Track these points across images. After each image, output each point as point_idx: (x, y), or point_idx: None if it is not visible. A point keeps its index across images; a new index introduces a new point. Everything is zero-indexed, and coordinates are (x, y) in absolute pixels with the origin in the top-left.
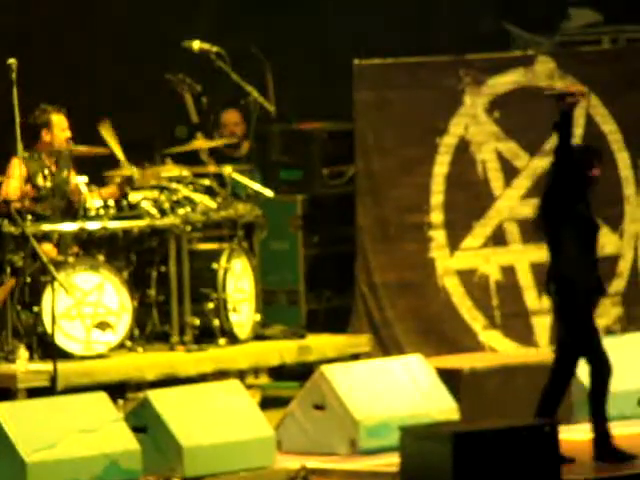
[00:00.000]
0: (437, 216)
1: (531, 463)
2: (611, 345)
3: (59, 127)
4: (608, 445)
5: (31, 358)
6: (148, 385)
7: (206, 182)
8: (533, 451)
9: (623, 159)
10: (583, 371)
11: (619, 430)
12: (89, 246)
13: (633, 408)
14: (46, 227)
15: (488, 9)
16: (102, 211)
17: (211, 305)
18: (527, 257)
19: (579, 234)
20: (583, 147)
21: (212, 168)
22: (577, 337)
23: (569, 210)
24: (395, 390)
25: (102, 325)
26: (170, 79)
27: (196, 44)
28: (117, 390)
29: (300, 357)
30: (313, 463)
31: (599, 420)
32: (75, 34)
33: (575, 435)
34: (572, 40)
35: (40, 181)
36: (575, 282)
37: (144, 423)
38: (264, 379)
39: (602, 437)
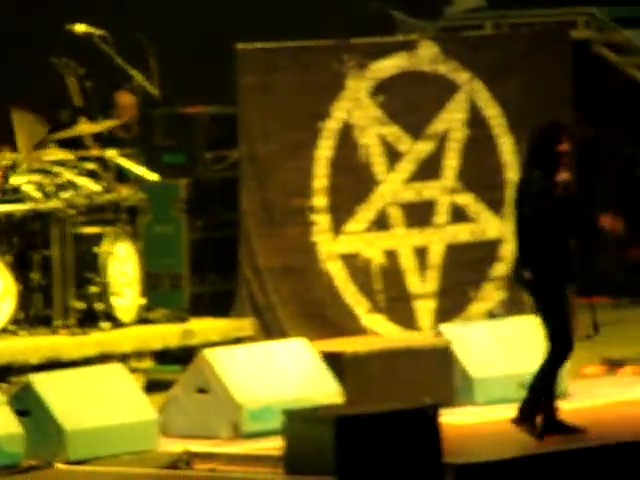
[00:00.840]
0: (320, 200)
1: (413, 446)
2: (494, 329)
3: None
4: (555, 418)
5: None
6: (31, 369)
7: (90, 166)
8: (415, 434)
9: (506, 143)
10: (465, 355)
11: (502, 413)
12: None
13: (516, 391)
14: None
15: None
16: None
17: (95, 289)
18: (410, 241)
19: (552, 217)
20: (551, 123)
21: (95, 152)
22: (545, 317)
23: (543, 192)
24: (278, 374)
25: None
26: (54, 62)
27: (80, 27)
28: (0, 374)
29: (183, 341)
30: (196, 447)
31: (549, 395)
32: None
33: (457, 418)
34: (456, 25)
35: None
36: (549, 267)
37: (27, 407)
38: (148, 363)
39: (550, 411)
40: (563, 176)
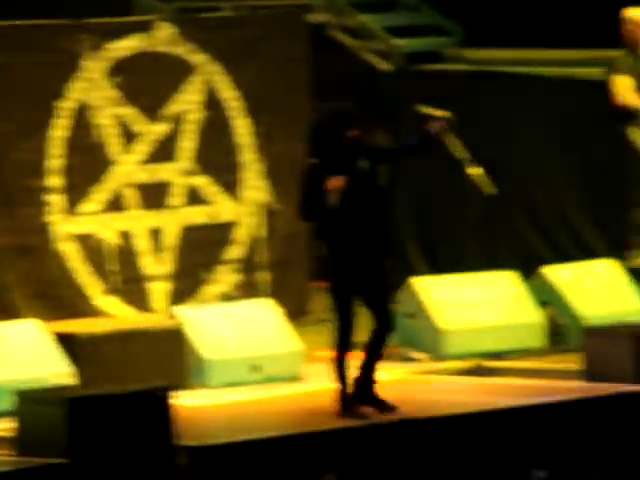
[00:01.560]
0: (55, 180)
1: (144, 428)
2: (228, 311)
3: None
4: (371, 392)
5: None
6: None
7: None
8: (146, 416)
9: (242, 126)
10: (198, 338)
11: (235, 396)
12: None
13: (248, 374)
14: None
15: None
16: None
17: None
18: (145, 223)
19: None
20: (337, 110)
21: None
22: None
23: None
24: (9, 355)
25: None
26: None
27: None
28: None
29: None
30: None
31: (368, 368)
32: None
33: (190, 401)
34: (193, 7)
35: None
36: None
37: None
38: None
39: (368, 383)
40: (334, 184)
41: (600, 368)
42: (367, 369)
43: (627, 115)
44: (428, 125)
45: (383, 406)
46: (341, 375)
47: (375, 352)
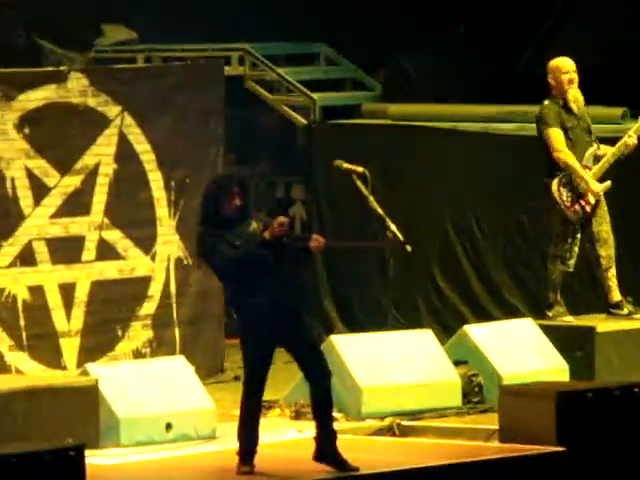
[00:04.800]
0: None
1: None
2: (141, 368)
3: None
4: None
5: None
6: None
7: None
8: (58, 476)
9: (156, 179)
10: (111, 395)
11: (148, 455)
12: None
13: (162, 432)
14: None
15: (21, 23)
16: None
17: None
18: (56, 277)
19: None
20: (224, 176)
21: None
22: None
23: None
24: None
25: None
26: None
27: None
28: None
29: None
30: None
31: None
32: None
33: (102, 460)
34: (107, 57)
35: None
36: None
37: None
38: None
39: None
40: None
41: (516, 428)
42: (322, 424)
43: (557, 169)
44: (310, 243)
45: (343, 466)
46: (242, 430)
47: (324, 403)
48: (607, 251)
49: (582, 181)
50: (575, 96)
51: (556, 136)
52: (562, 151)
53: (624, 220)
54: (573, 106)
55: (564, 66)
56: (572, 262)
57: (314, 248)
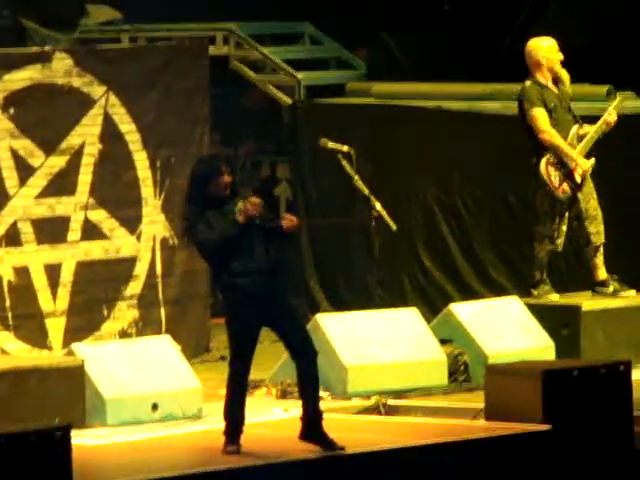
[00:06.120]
0: None
1: (43, 469)
2: (127, 348)
3: None
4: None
5: None
6: None
7: None
8: (45, 456)
9: (141, 159)
10: (97, 375)
11: (134, 435)
12: None
13: (148, 412)
14: None
15: (5, 4)
16: None
17: None
18: (41, 258)
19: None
20: (210, 156)
21: None
22: None
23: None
24: None
25: None
26: None
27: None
28: None
29: None
30: None
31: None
32: None
33: (89, 440)
34: (92, 37)
35: None
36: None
37: None
38: None
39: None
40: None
41: (502, 406)
42: (309, 403)
43: (543, 149)
44: (282, 222)
45: (329, 445)
46: (228, 410)
47: (310, 382)
48: (597, 227)
49: (571, 160)
50: (558, 75)
51: (541, 116)
52: (547, 131)
53: (608, 198)
54: (553, 86)
55: (544, 46)
56: (560, 241)
57: (287, 228)
